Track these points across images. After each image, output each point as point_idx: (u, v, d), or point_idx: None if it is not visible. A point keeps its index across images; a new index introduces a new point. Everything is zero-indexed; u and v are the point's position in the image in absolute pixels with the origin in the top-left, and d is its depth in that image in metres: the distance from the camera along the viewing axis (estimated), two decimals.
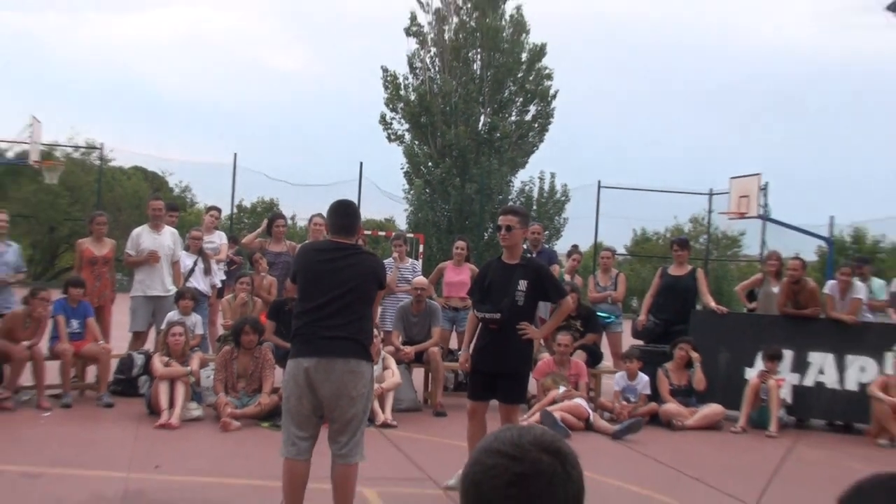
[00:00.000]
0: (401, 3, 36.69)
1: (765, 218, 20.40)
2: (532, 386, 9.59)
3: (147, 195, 21.60)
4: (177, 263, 10.21)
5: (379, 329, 9.04)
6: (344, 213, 5.33)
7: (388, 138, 28.24)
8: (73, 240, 14.08)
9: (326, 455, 5.09)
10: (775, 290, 10.40)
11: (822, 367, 9.96)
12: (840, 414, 10.06)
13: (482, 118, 27.82)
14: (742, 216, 19.76)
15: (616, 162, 60.17)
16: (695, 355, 9.67)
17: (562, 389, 9.07)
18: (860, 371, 9.78)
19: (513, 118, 27.96)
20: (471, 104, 27.36)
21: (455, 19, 28.03)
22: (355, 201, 6.24)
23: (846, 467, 7.68)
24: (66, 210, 29.66)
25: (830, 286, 10.53)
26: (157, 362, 8.47)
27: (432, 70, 27.90)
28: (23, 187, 29.61)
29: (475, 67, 27.82)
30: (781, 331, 10.05)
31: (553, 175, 27.60)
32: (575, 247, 13.18)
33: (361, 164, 23.42)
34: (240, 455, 7.02)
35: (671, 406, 9.44)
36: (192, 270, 10.40)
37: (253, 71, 71.13)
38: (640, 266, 30.72)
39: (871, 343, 9.81)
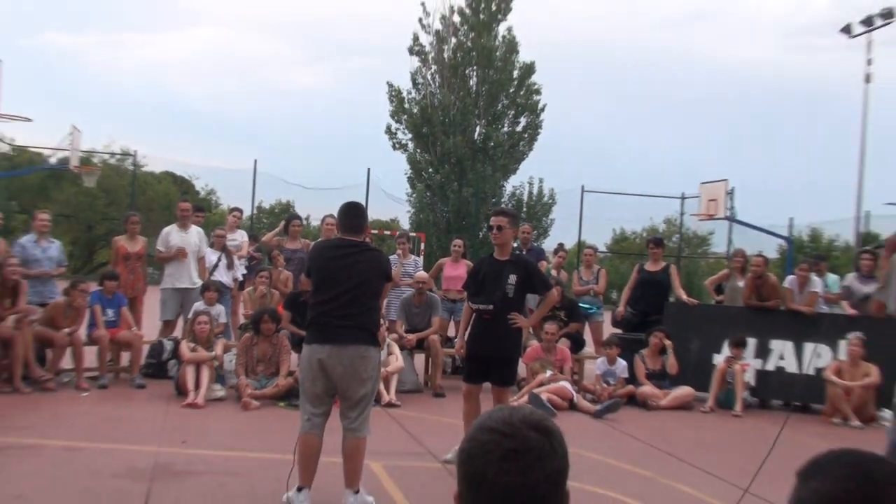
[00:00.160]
0: (405, 26, 36.66)
1: (731, 219, 20.39)
2: (522, 370, 9.62)
3: (176, 197, 21.58)
4: (202, 259, 10.20)
5: (384, 319, 9.04)
6: (353, 214, 5.33)
7: (393, 147, 28.23)
8: (109, 237, 14.07)
9: (337, 433, 5.10)
10: (740, 284, 10.41)
11: (783, 354, 9.97)
12: (798, 395, 10.06)
13: (477, 129, 27.78)
14: (711, 218, 19.76)
15: (598, 168, 60.25)
16: (668, 343, 9.68)
17: (548, 373, 9.07)
18: (816, 357, 9.78)
19: (505, 129, 27.90)
20: (467, 116, 27.34)
21: (453, 40, 27.97)
22: (363, 203, 6.24)
23: (804, 444, 7.69)
24: (103, 211, 29.66)
25: (790, 281, 10.53)
26: (185, 348, 8.47)
27: (433, 85, 27.85)
28: (64, 190, 29.61)
29: (471, 83, 27.77)
30: (746, 321, 10.06)
31: (541, 180, 27.64)
32: (561, 245, 13.19)
33: (369, 169, 23.43)
34: (259, 431, 7.02)
35: (647, 388, 9.45)
36: (216, 265, 10.39)
37: (272, 86, 71.14)
38: (620, 262, 30.68)
39: (826, 332, 9.82)
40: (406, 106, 27.85)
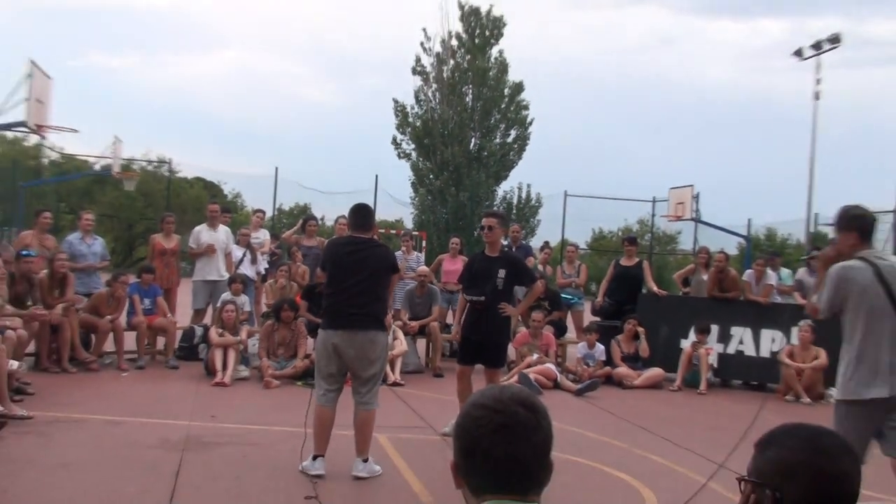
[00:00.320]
0: (408, 48, 36.57)
1: (696, 220, 20.38)
2: (512, 353, 9.62)
3: (206, 200, 21.53)
4: (229, 254, 10.16)
5: (390, 308, 9.03)
6: (362, 214, 5.34)
7: (398, 156, 28.12)
8: (147, 235, 14.04)
9: (348, 410, 5.10)
10: (705, 277, 10.40)
11: (742, 339, 9.96)
12: (756, 376, 10.06)
13: (473, 140, 27.71)
14: (678, 219, 19.74)
15: (579, 175, 60.12)
16: (641, 329, 9.66)
17: (535, 356, 9.06)
18: (771, 342, 9.79)
19: (497, 140, 27.82)
20: (464, 129, 27.27)
21: (452, 61, 27.88)
22: (371, 205, 6.23)
23: (761, 418, 7.68)
24: (142, 212, 29.60)
25: (748, 275, 10.53)
26: (214, 333, 8.45)
27: (433, 102, 27.75)
28: (107, 193, 29.56)
29: (467, 100, 27.68)
30: (709, 310, 10.04)
31: (529, 185, 27.57)
32: (546, 243, 13.19)
33: (377, 176, 23.34)
34: (279, 407, 7.01)
35: (622, 369, 9.44)
36: (241, 260, 10.36)
37: (292, 101, 70.89)
38: (598, 258, 30.63)
39: (780, 320, 9.83)
40: (410, 120, 27.80)
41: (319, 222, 12.60)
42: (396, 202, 26.71)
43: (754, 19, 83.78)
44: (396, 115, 27.96)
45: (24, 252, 8.08)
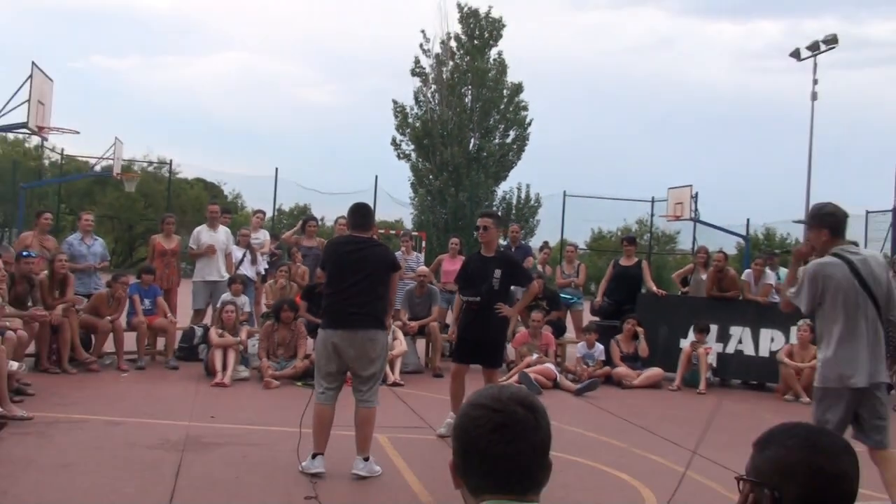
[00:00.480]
0: (408, 50, 36.53)
1: (695, 220, 20.36)
2: (511, 353, 9.62)
3: (206, 201, 21.51)
4: (229, 255, 10.16)
5: (392, 307, 9.03)
6: (361, 213, 5.34)
7: (398, 156, 28.13)
8: (148, 236, 14.03)
9: (348, 409, 5.10)
10: (703, 277, 10.39)
11: (741, 338, 9.95)
12: (755, 375, 10.05)
13: (472, 141, 27.71)
14: (677, 219, 19.75)
15: (578, 175, 60.07)
16: (640, 329, 9.66)
17: (535, 356, 9.05)
18: (770, 341, 9.77)
19: (496, 141, 27.82)
20: (463, 130, 27.27)
21: (451, 63, 27.90)
22: (371, 205, 6.21)
23: (760, 417, 7.69)
24: (142, 212, 29.60)
25: (747, 274, 10.52)
26: (213, 334, 8.44)
27: (433, 102, 27.76)
28: (108, 194, 29.57)
29: (467, 101, 27.68)
30: (708, 309, 10.03)
31: (528, 186, 27.59)
32: (546, 243, 13.19)
33: (377, 176, 23.32)
34: (278, 408, 7.00)
35: (621, 369, 9.43)
36: (241, 261, 10.35)
37: (291, 102, 70.84)
38: (597, 258, 30.62)
39: (779, 319, 9.80)
40: (409, 121, 27.80)
41: (319, 223, 12.59)
42: (396, 203, 26.74)
43: (752, 20, 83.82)
44: (396, 116, 27.98)
45: (24, 253, 8.07)
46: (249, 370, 8.46)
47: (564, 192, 23.86)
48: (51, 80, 10.98)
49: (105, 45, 75.71)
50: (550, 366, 9.00)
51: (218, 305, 9.14)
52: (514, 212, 26.75)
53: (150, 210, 28.91)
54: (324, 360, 5.01)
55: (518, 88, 28.04)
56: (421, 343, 10.13)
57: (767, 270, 10.42)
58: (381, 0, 68.06)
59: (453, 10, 28.99)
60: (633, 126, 70.14)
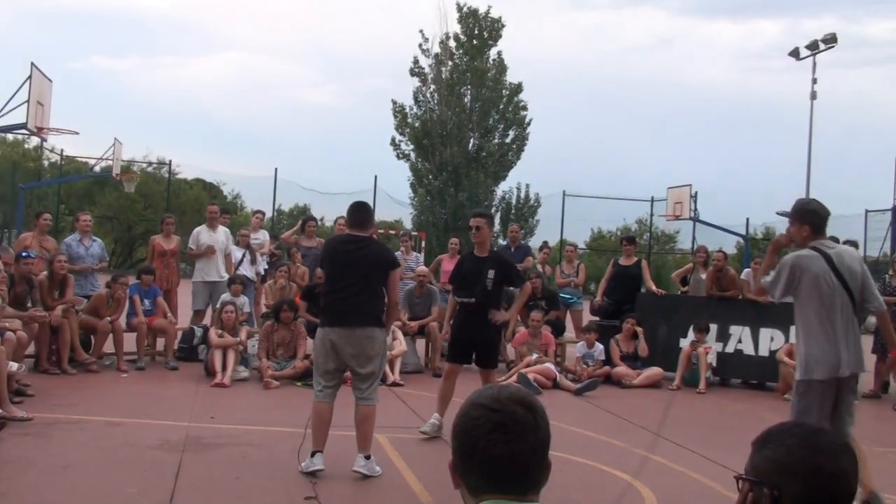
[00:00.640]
0: (407, 50, 36.52)
1: (695, 219, 20.39)
2: (511, 353, 9.62)
3: (206, 201, 21.51)
4: (229, 255, 10.15)
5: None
6: (360, 212, 5.35)
7: (397, 157, 28.11)
8: (147, 237, 14.04)
9: (347, 409, 5.09)
10: (703, 276, 10.39)
11: (741, 338, 9.94)
12: (754, 375, 10.05)
13: (471, 141, 27.70)
14: (677, 218, 19.76)
15: (578, 175, 60.03)
16: (639, 328, 9.65)
17: (535, 356, 9.05)
18: (770, 341, 9.76)
19: (496, 141, 27.81)
20: (462, 130, 27.27)
21: (450, 62, 27.90)
22: (370, 205, 6.20)
23: (759, 417, 7.69)
24: (141, 213, 29.56)
25: (746, 273, 10.45)
26: (213, 334, 8.44)
27: (432, 102, 27.75)
28: (107, 195, 29.53)
29: (466, 101, 27.68)
30: (708, 309, 10.03)
31: (528, 186, 27.58)
32: (545, 243, 13.20)
33: (376, 177, 23.43)
34: (278, 408, 7.00)
35: (621, 369, 9.43)
36: (241, 261, 10.35)
37: (291, 103, 70.72)
38: (597, 258, 30.61)
39: (778, 318, 9.78)
40: (409, 121, 27.79)
41: (319, 223, 12.60)
42: (395, 203, 26.76)
43: (751, 20, 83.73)
44: (395, 116, 27.96)
45: (23, 253, 8.07)
46: (249, 370, 8.46)
47: (564, 191, 23.91)
48: (50, 80, 10.98)
49: (104, 45, 75.77)
50: (550, 365, 9.00)
51: (217, 306, 9.13)
52: (513, 212, 26.75)
53: (150, 210, 28.87)
54: (322, 358, 5.02)
55: (517, 88, 28.03)
56: (421, 343, 10.13)
57: None
58: (381, 0, 68.07)
59: (452, 9, 28.94)
60: (632, 126, 70.11)
